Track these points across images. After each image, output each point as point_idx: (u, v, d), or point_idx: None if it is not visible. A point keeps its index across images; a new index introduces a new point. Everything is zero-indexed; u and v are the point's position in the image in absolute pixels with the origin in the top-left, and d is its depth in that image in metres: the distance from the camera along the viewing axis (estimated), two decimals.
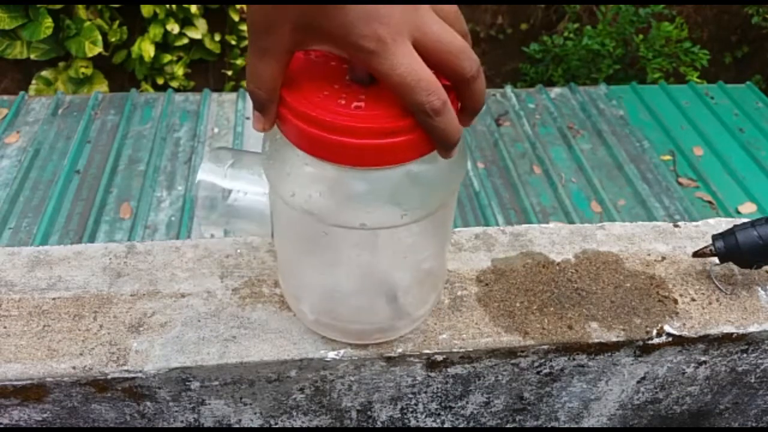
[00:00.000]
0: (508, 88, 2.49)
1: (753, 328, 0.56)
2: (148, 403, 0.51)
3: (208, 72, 3.48)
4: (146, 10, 3.00)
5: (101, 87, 3.03)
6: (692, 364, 0.58)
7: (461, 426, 0.61)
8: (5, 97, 2.24)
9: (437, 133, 0.36)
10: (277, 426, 0.56)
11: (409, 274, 0.47)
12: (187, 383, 0.50)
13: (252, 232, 0.56)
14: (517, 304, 0.55)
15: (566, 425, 0.64)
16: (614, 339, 0.54)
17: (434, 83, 0.34)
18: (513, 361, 0.54)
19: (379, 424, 0.59)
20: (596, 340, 0.54)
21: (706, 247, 0.57)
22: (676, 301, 0.57)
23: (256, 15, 0.35)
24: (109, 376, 0.48)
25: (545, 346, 0.53)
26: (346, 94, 0.37)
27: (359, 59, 0.35)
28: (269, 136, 0.42)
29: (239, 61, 3.42)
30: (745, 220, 0.57)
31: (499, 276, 0.58)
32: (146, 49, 3.02)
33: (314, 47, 0.37)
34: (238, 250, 0.57)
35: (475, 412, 0.59)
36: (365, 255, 0.43)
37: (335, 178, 0.39)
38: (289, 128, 0.38)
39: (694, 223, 0.66)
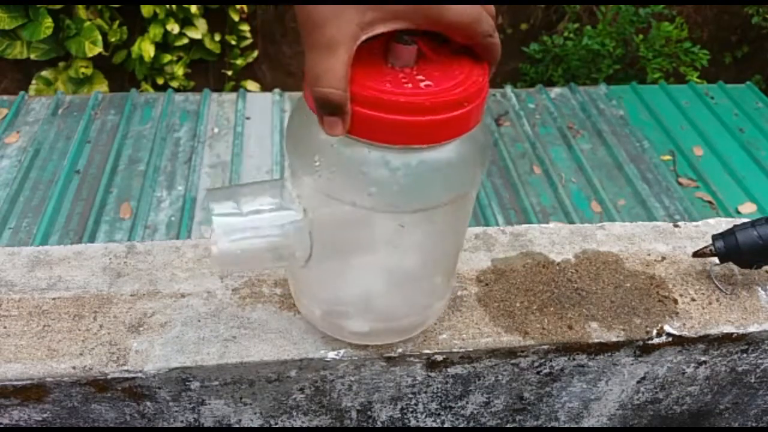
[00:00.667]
0: (508, 88, 2.49)
1: (753, 328, 0.56)
2: (148, 403, 0.51)
3: (208, 72, 3.48)
4: (146, 10, 3.00)
5: (101, 87, 3.02)
6: (692, 364, 0.58)
7: (461, 426, 0.61)
8: (5, 97, 2.24)
9: (495, 49, 0.39)
10: (277, 426, 0.56)
11: (456, 249, 0.48)
12: (187, 383, 0.50)
13: (285, 266, 0.51)
14: (517, 304, 0.55)
15: (566, 425, 0.64)
16: (614, 339, 0.54)
17: (485, 13, 0.38)
18: (513, 361, 0.54)
19: (379, 424, 0.58)
20: (596, 340, 0.54)
21: (706, 247, 0.57)
22: (676, 301, 0.57)
23: (312, 9, 0.34)
24: (109, 376, 0.48)
25: (545, 346, 0.53)
26: (403, 76, 0.37)
27: (433, 21, 0.36)
28: (319, 148, 0.39)
29: (239, 61, 3.42)
30: (745, 220, 0.57)
31: (499, 276, 0.58)
32: (146, 49, 3.02)
33: (381, 28, 0.36)
34: None
35: (475, 412, 0.59)
36: (435, 235, 0.43)
37: (417, 160, 0.38)
38: (366, 124, 0.37)
39: (694, 223, 0.66)
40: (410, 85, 0.37)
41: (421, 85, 0.37)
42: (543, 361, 0.54)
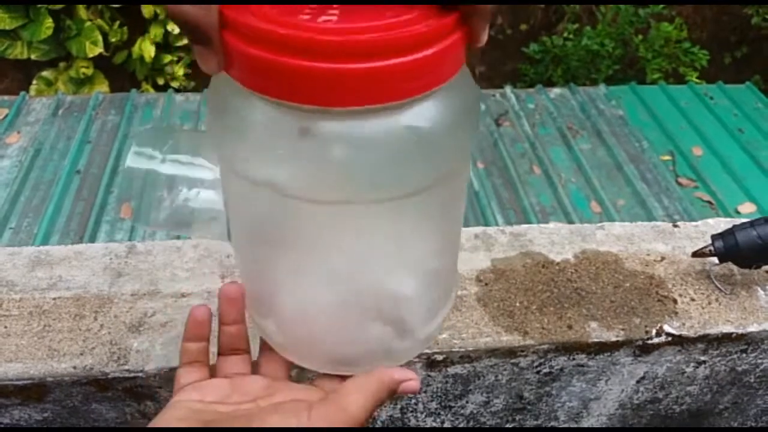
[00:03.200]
0: (508, 89, 2.49)
1: (752, 328, 0.56)
2: (149, 403, 0.51)
3: None
4: (147, 10, 3.00)
5: (102, 87, 3.02)
6: (692, 364, 0.58)
7: (461, 425, 0.61)
8: (6, 98, 2.24)
9: None
10: None
11: (412, 273, 0.36)
12: None
13: (205, 236, 0.42)
14: (517, 304, 0.56)
15: (566, 425, 0.64)
16: (614, 339, 0.54)
17: None
18: (513, 361, 0.54)
19: (378, 424, 0.59)
20: (596, 340, 0.54)
21: (705, 247, 0.57)
22: (675, 301, 0.57)
23: None
24: (109, 376, 0.48)
25: (545, 346, 0.53)
26: (310, 10, 0.26)
27: None
28: (221, 97, 0.31)
29: None
30: (745, 220, 0.57)
31: (499, 276, 0.58)
32: (147, 49, 3.02)
33: None
34: None
35: (474, 411, 0.59)
36: (349, 244, 0.32)
37: (310, 130, 0.27)
38: (237, 64, 0.27)
39: (694, 223, 0.66)
40: (307, 17, 0.26)
41: (320, 19, 0.26)
42: (542, 360, 0.55)
